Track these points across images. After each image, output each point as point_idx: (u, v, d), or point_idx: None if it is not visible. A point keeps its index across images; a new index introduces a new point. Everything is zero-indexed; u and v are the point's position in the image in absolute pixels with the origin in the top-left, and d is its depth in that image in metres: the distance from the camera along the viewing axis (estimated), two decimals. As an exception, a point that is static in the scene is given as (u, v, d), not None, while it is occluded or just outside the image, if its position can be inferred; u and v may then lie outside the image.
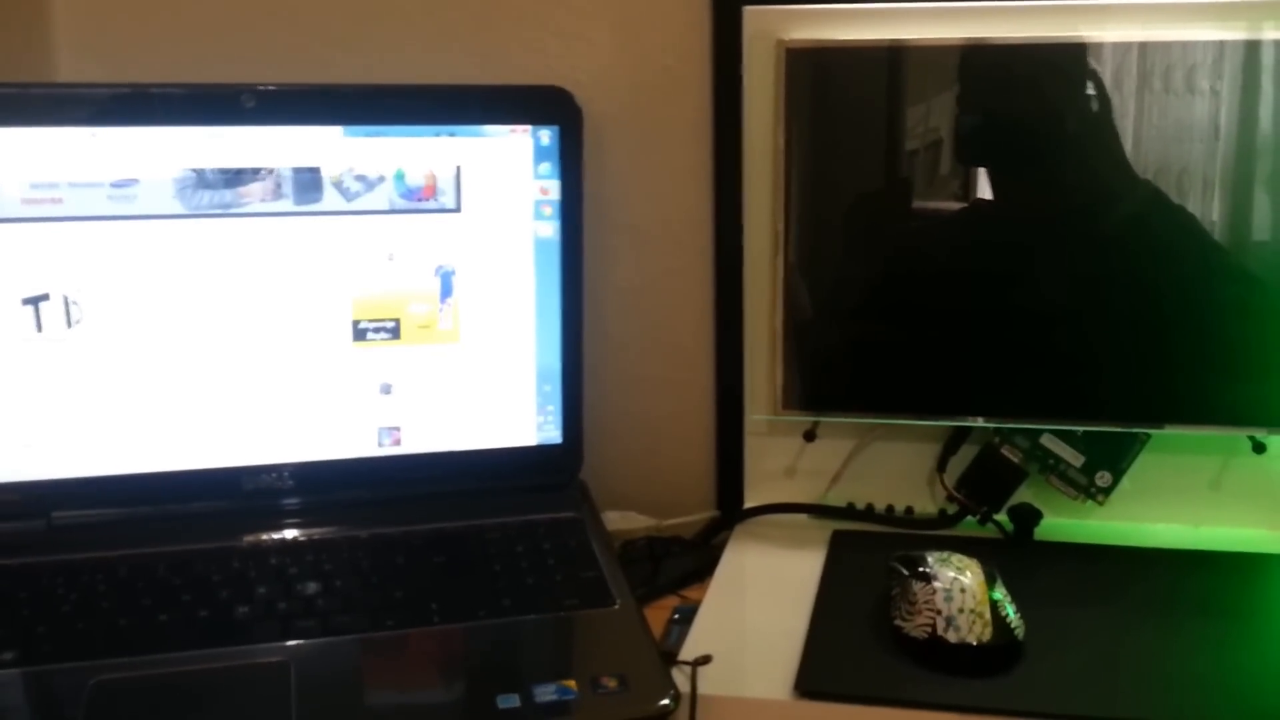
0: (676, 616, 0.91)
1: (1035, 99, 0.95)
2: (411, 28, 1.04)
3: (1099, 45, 0.92)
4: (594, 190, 1.00)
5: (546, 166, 0.96)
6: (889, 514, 1.02)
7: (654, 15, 1.02)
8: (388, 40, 1.05)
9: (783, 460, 1.05)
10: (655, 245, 1.07)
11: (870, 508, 1.02)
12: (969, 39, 0.94)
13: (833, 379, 1.03)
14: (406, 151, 0.94)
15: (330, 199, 0.94)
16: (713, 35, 1.02)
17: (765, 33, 0.98)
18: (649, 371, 1.09)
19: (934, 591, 0.79)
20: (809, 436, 1.03)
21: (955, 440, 1.02)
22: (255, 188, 0.92)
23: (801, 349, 1.01)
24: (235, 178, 0.92)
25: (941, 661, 0.78)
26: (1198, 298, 0.94)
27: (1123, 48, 0.92)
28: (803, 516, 1.03)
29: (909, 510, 1.02)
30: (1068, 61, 0.93)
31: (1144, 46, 0.92)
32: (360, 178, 0.93)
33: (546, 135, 0.96)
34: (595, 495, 0.99)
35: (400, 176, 0.95)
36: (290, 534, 0.91)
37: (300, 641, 0.78)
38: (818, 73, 0.98)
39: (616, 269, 1.07)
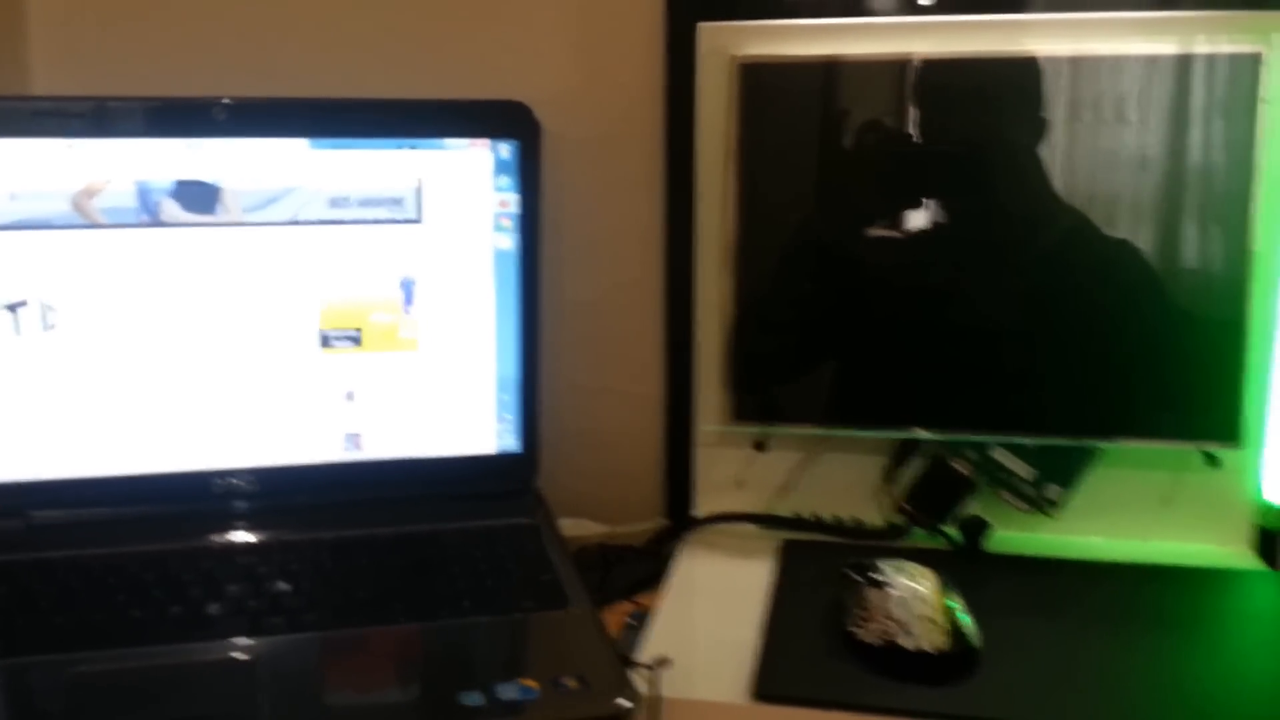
0: (632, 621, 0.92)
1: (981, 114, 0.98)
2: (376, 47, 1.07)
3: (1040, 60, 0.96)
4: (549, 203, 1.00)
5: (506, 179, 0.98)
6: (838, 525, 1.02)
7: (610, 33, 1.05)
8: (353, 58, 1.07)
9: (732, 470, 1.07)
10: (608, 258, 1.09)
11: (819, 518, 1.03)
12: (921, 54, 0.97)
13: (782, 391, 1.05)
14: (371, 163, 0.95)
15: (297, 209, 0.95)
16: (667, 51, 1.04)
17: (719, 48, 1.00)
18: (602, 382, 1.11)
19: (889, 598, 0.81)
20: (760, 446, 1.05)
21: (905, 452, 1.04)
22: (226, 198, 0.93)
23: (751, 361, 1.04)
24: (207, 188, 0.93)
25: (898, 668, 0.79)
26: (1147, 312, 0.97)
27: (1059, 64, 0.95)
28: (752, 526, 1.04)
29: (858, 522, 1.03)
30: (1013, 76, 0.97)
31: (1077, 63, 0.95)
32: (326, 189, 0.95)
33: (506, 149, 0.98)
34: (549, 503, 1.00)
35: (365, 187, 0.95)
36: (258, 535, 0.93)
37: (268, 638, 0.79)
38: (770, 88, 1.00)
39: (570, 281, 1.09)
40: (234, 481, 0.96)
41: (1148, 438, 0.99)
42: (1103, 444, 0.99)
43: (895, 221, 0.99)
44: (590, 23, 1.05)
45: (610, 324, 1.11)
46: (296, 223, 0.95)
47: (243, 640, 0.79)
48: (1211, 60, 0.94)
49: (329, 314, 0.97)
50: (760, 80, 1.00)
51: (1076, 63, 0.95)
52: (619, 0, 1.04)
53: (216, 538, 0.92)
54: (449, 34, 1.06)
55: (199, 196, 0.93)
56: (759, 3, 1.01)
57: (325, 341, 0.97)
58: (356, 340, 0.98)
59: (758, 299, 1.02)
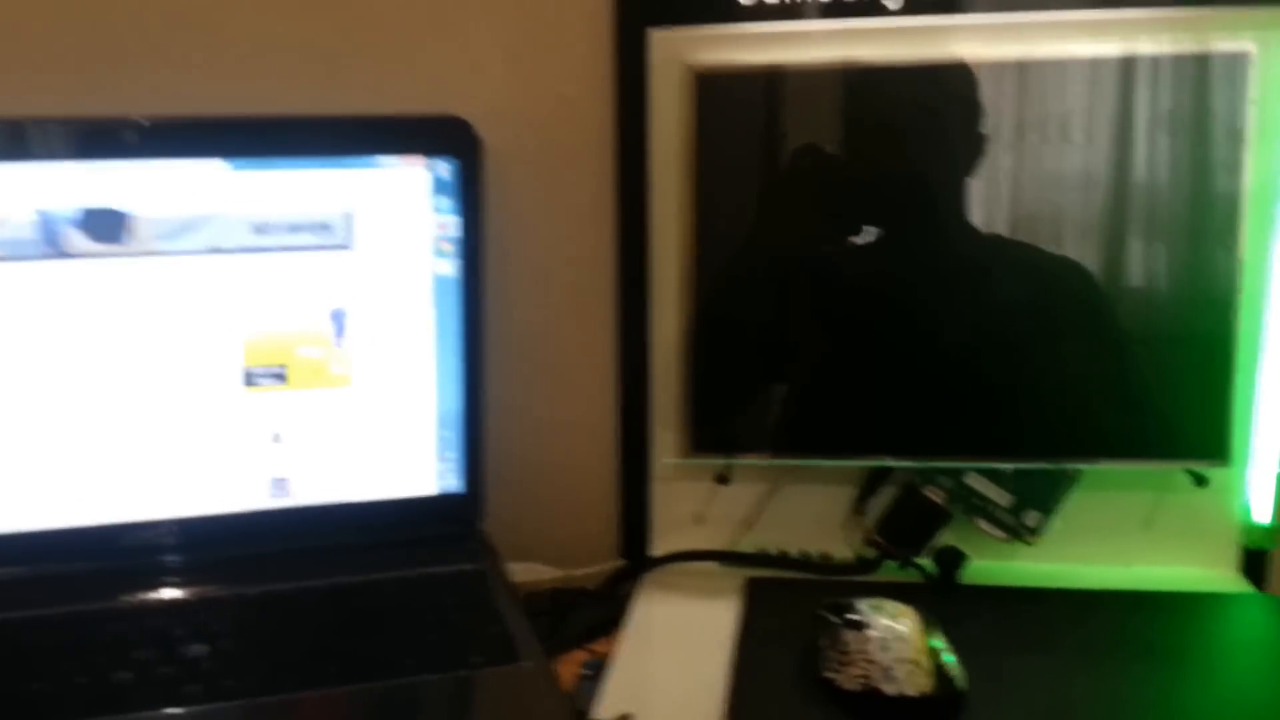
0: (587, 672, 0.86)
1: (946, 122, 0.93)
2: (299, 59, 1.00)
3: (1008, 65, 0.91)
4: (492, 226, 0.96)
5: (445, 201, 0.92)
6: (805, 560, 0.97)
7: (552, 41, 0.99)
8: (275, 72, 1.00)
9: (691, 506, 1.02)
10: (557, 281, 1.03)
11: (785, 554, 0.98)
12: (885, 60, 0.92)
13: (743, 420, 0.99)
14: (296, 186, 0.89)
15: (215, 237, 0.88)
16: (615, 61, 0.98)
17: (673, 58, 0.95)
18: (551, 415, 1.05)
19: (868, 640, 0.76)
20: (722, 479, 0.99)
21: (874, 481, 0.98)
22: (137, 226, 0.86)
23: (710, 389, 0.98)
24: (115, 216, 0.86)
25: (878, 715, 0.74)
26: (1127, 326, 0.93)
27: (1033, 68, 0.91)
28: (714, 564, 0.99)
29: (826, 556, 0.97)
30: (963, 87, 0.92)
31: (1053, 67, 0.90)
32: (247, 214, 0.88)
33: (444, 168, 0.92)
34: (496, 546, 0.94)
35: (290, 212, 0.89)
36: (176, 593, 0.85)
37: (184, 709, 0.72)
38: (729, 99, 0.94)
39: (516, 308, 1.02)
40: (150, 534, 0.88)
41: (1131, 458, 0.94)
42: (1084, 466, 0.94)
43: (855, 241, 0.95)
44: (532, 30, 0.99)
45: (560, 351, 1.04)
46: (216, 251, 0.88)
47: (156, 713, 0.71)
48: (1197, 60, 0.89)
49: (253, 350, 0.90)
50: (718, 91, 0.94)
51: (1053, 66, 0.91)
52: (562, 5, 0.98)
53: (130, 597, 0.84)
54: (381, 45, 0.99)
55: (107, 225, 0.86)
56: (713, 7, 0.94)
57: (249, 380, 0.90)
58: (282, 377, 0.90)
59: (715, 323, 0.97)
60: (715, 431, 0.99)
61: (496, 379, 0.99)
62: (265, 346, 0.90)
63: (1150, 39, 0.89)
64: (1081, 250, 0.92)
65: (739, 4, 0.94)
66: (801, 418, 0.98)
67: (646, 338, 1.00)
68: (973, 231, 0.93)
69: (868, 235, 0.94)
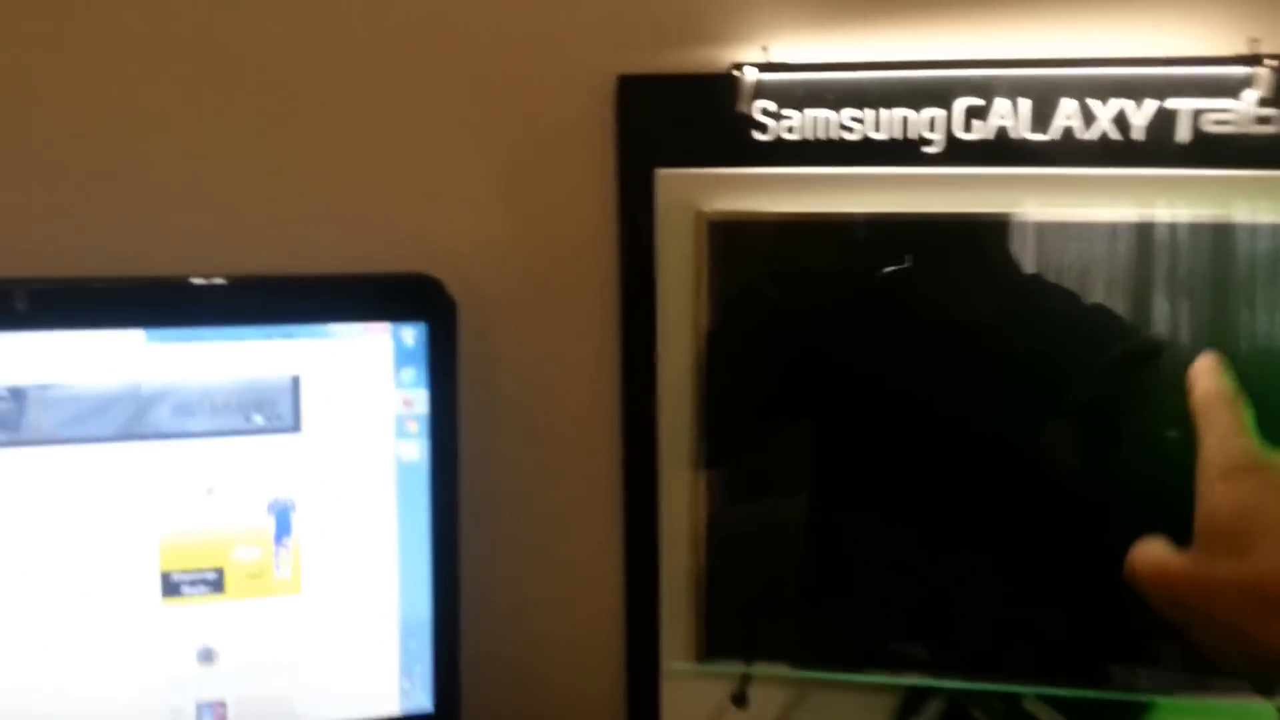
0: None
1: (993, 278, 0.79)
2: (238, 206, 0.85)
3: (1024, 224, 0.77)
4: (480, 382, 0.84)
5: (411, 373, 0.77)
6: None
7: (550, 177, 0.84)
8: (207, 222, 0.85)
9: (707, 716, 0.87)
10: (553, 447, 0.88)
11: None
12: (922, 212, 0.79)
13: (766, 623, 0.85)
14: (228, 359, 0.75)
15: (130, 420, 0.74)
16: (619, 202, 0.84)
17: (683, 202, 0.82)
18: (543, 615, 0.90)
19: None
20: (739, 700, 0.83)
21: (916, 699, 0.84)
22: (33, 409, 0.71)
23: (729, 583, 0.84)
24: (7, 397, 0.70)
25: None
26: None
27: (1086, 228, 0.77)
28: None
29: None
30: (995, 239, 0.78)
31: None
32: (170, 392, 0.73)
33: (411, 334, 0.77)
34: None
35: (224, 389, 0.73)
36: None
37: None
38: (746, 250, 0.82)
39: (506, 477, 0.88)
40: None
41: (1216, 693, 0.78)
42: (1161, 699, 0.79)
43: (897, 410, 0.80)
44: (524, 163, 0.85)
45: (556, 530, 0.89)
46: (130, 438, 0.74)
47: None
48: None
49: (175, 552, 0.75)
50: (735, 241, 0.81)
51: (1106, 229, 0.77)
52: (561, 140, 0.84)
53: None
54: (346, 175, 0.86)
55: (-5, 411, 0.70)
56: (727, 146, 0.80)
57: (171, 588, 0.74)
58: (215, 585, 0.75)
59: (735, 503, 0.84)
60: (735, 634, 0.85)
61: (478, 573, 0.85)
62: (193, 548, 0.76)
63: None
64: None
65: (756, 142, 0.78)
66: (833, 624, 0.84)
67: (656, 515, 0.86)
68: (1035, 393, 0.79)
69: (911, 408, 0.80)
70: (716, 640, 0.86)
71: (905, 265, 0.79)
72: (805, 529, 0.84)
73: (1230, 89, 0.74)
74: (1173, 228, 0.75)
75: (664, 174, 0.81)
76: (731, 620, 0.85)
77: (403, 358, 0.77)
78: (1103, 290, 0.77)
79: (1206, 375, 0.65)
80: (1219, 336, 0.75)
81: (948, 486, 0.80)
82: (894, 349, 0.80)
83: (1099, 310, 0.77)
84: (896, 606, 0.83)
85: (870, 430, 0.81)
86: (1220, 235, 0.75)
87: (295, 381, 0.76)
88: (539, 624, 0.90)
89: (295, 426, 0.76)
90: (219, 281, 0.75)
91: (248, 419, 0.76)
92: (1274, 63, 0.73)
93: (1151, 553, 0.62)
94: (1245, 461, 0.61)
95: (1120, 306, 0.77)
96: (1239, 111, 0.74)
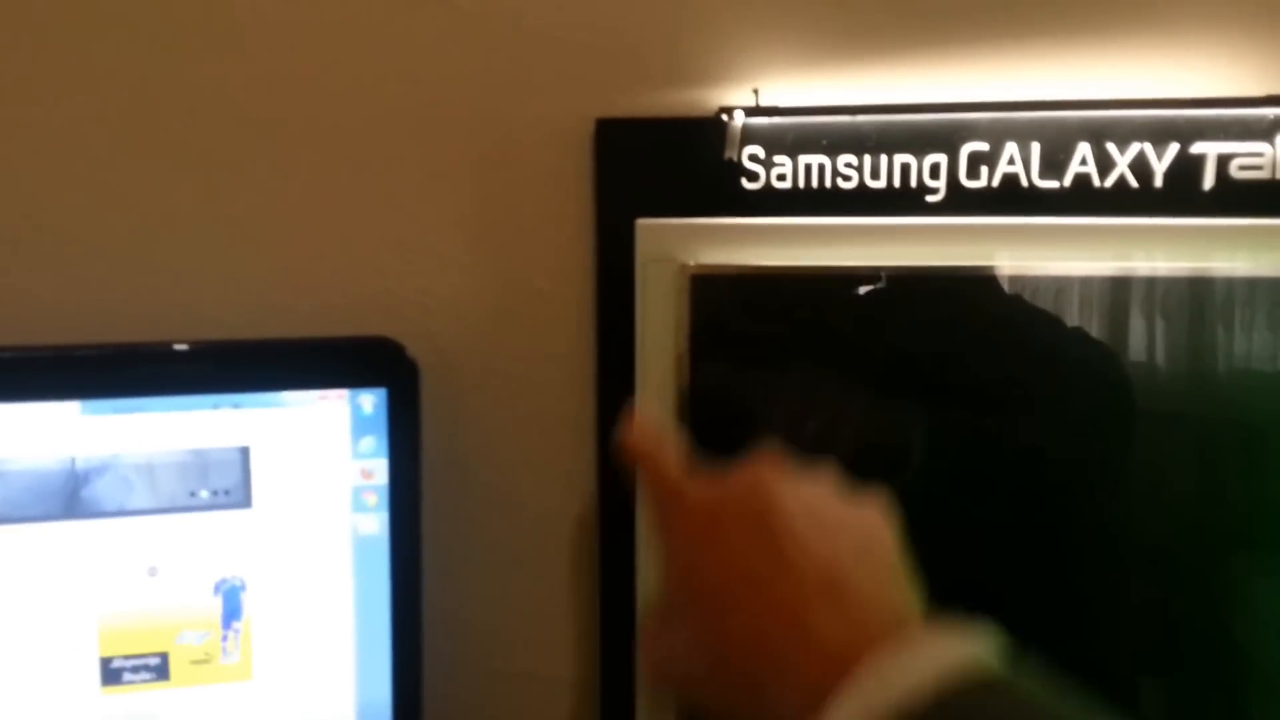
0: None
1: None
2: (183, 252, 0.79)
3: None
4: (447, 448, 0.79)
5: (370, 442, 0.71)
6: None
7: (523, 228, 0.79)
8: (145, 278, 0.79)
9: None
10: (527, 516, 0.82)
11: None
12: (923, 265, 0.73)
13: None
14: (171, 430, 0.70)
15: (65, 497, 0.69)
16: (597, 254, 0.78)
17: (665, 254, 0.76)
18: (517, 690, 0.84)
19: None
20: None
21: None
22: (-43, 484, 0.66)
23: None
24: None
25: None
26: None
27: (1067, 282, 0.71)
28: None
29: None
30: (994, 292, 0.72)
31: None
32: (106, 467, 0.67)
33: (369, 401, 0.71)
34: None
35: (166, 463, 0.68)
36: None
37: None
38: (731, 305, 0.76)
39: (476, 549, 0.82)
40: None
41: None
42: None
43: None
44: (495, 212, 0.79)
45: (529, 598, 0.83)
46: (66, 516, 0.69)
47: None
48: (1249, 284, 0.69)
49: (115, 637, 0.71)
50: (719, 296, 0.75)
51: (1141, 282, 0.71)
52: (535, 186, 0.78)
53: None
54: (302, 221, 0.80)
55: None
56: (712, 195, 0.75)
57: (111, 676, 0.69)
58: (159, 671, 0.70)
59: None
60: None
61: (445, 649, 0.80)
62: (134, 633, 0.71)
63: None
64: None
65: (744, 191, 0.72)
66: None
67: (634, 581, 0.79)
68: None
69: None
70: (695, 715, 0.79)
71: (880, 285, 0.72)
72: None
73: (1261, 133, 0.68)
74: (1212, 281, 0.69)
75: (645, 224, 0.75)
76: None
77: (361, 426, 0.72)
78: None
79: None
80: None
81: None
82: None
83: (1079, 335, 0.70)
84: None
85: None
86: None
87: (244, 453, 0.70)
88: (512, 702, 0.84)
89: (245, 501, 0.71)
90: (159, 347, 0.70)
91: (193, 494, 0.70)
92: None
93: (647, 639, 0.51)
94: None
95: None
96: (1270, 156, 0.67)
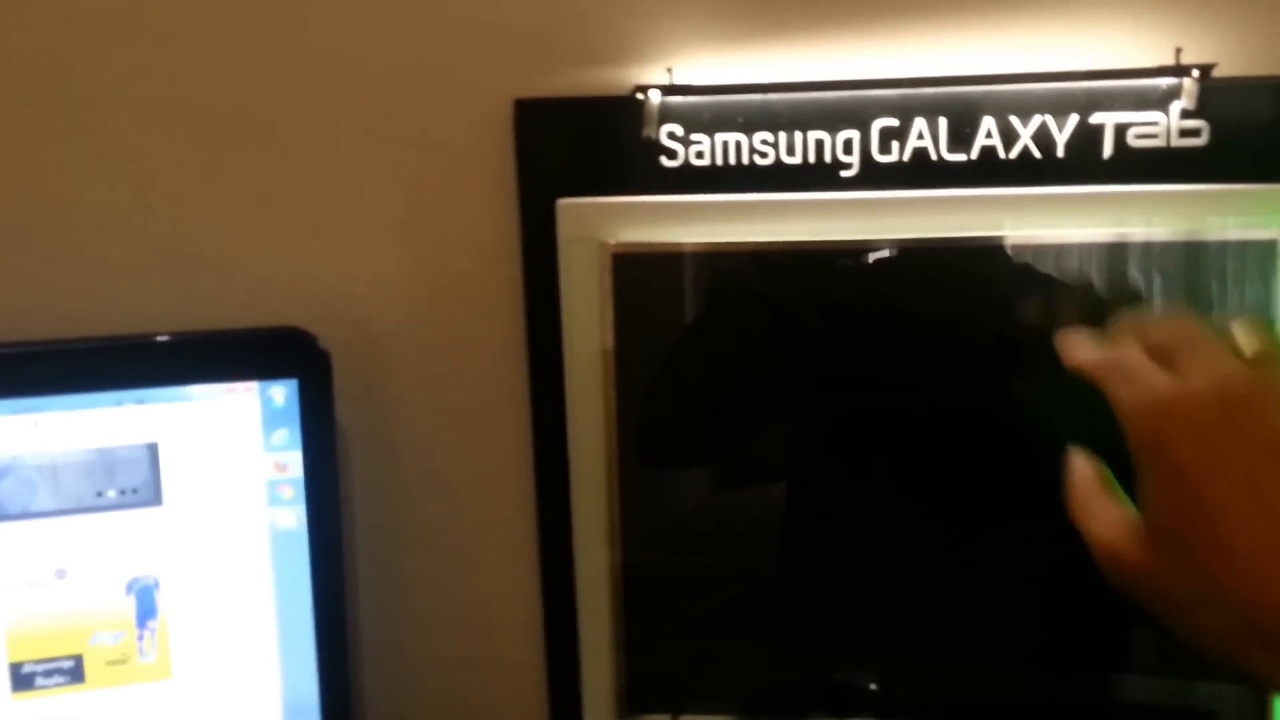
0: None
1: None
2: (83, 242, 0.77)
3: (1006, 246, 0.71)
4: (376, 430, 0.78)
5: (283, 434, 0.70)
6: None
7: (446, 210, 0.77)
8: (42, 272, 0.77)
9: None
10: (461, 496, 0.82)
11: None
12: (841, 240, 0.72)
13: (691, 671, 0.80)
14: (75, 429, 0.68)
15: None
16: (521, 235, 0.77)
17: (586, 233, 0.75)
18: (456, 673, 0.84)
19: None
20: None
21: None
22: None
23: (650, 631, 0.78)
24: None
25: None
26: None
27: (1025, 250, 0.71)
28: None
29: None
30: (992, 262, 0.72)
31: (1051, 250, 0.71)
32: (8, 469, 0.66)
33: (280, 392, 0.70)
34: None
35: (72, 461, 0.66)
36: None
37: None
38: (651, 283, 0.75)
39: (409, 534, 0.81)
40: None
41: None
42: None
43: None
44: (420, 196, 0.78)
45: (470, 580, 0.83)
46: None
47: None
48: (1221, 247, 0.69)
49: (25, 641, 0.69)
50: (640, 274, 0.75)
51: (1051, 249, 0.71)
52: (459, 169, 0.77)
53: None
54: (225, 206, 0.78)
55: None
56: (632, 173, 0.74)
57: (22, 681, 0.68)
58: (73, 674, 0.69)
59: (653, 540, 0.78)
60: (656, 684, 0.80)
61: (379, 637, 0.80)
62: (45, 636, 0.69)
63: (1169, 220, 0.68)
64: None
65: (663, 169, 0.72)
66: (760, 673, 0.79)
67: (573, 559, 0.79)
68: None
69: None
70: (640, 693, 0.80)
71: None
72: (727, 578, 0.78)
73: (1156, 102, 0.69)
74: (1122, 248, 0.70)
75: (565, 204, 0.74)
76: (656, 671, 0.79)
77: (272, 418, 0.71)
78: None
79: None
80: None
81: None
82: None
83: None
84: (837, 648, 0.79)
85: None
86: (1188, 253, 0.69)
87: (152, 450, 0.69)
88: (452, 687, 0.84)
89: (155, 499, 0.70)
90: (59, 345, 0.68)
91: (100, 494, 0.68)
92: (1199, 73, 0.67)
93: (1105, 533, 0.48)
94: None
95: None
96: (1164, 124, 0.69)
